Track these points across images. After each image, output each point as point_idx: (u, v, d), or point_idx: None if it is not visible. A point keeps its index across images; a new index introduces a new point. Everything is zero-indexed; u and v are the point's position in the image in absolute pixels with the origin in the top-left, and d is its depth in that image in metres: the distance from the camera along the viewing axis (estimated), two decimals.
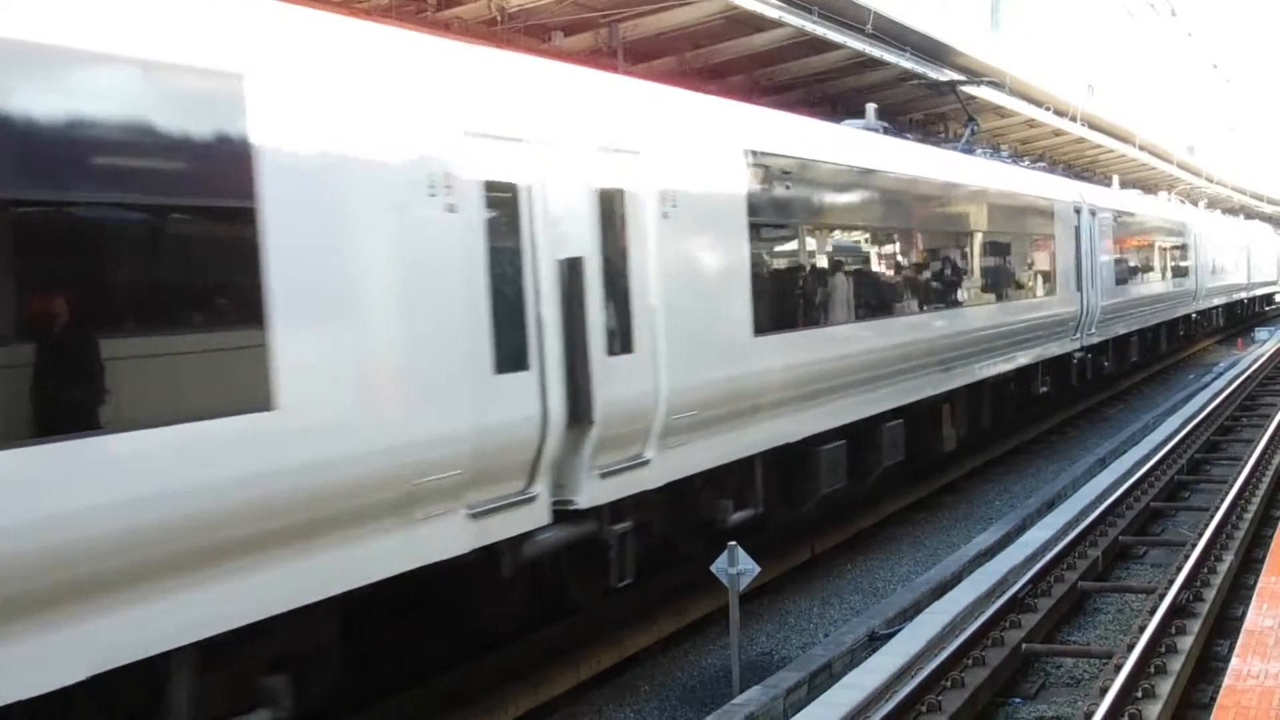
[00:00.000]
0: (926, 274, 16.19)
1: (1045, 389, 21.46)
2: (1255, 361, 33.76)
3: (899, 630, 10.89)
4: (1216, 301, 43.34)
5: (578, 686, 10.21)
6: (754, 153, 11.50)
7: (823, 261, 13.49)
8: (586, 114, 9.31)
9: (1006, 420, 20.39)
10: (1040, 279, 21.07)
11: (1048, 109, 32.12)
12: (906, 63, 22.60)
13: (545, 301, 8.51)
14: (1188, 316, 37.29)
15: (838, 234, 14.06)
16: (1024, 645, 10.30)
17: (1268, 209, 79.13)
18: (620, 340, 9.36)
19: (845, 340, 13.31)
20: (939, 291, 16.46)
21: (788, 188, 12.24)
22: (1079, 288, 22.86)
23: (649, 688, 10.53)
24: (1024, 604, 11.22)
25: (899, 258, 15.63)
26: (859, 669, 9.90)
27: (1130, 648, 9.49)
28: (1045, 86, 31.44)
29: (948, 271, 16.95)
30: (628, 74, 15.52)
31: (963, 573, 12.93)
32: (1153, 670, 9.30)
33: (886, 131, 17.38)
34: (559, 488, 8.82)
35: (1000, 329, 18.55)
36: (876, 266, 14.94)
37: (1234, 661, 8.22)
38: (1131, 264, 28.91)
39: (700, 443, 10.40)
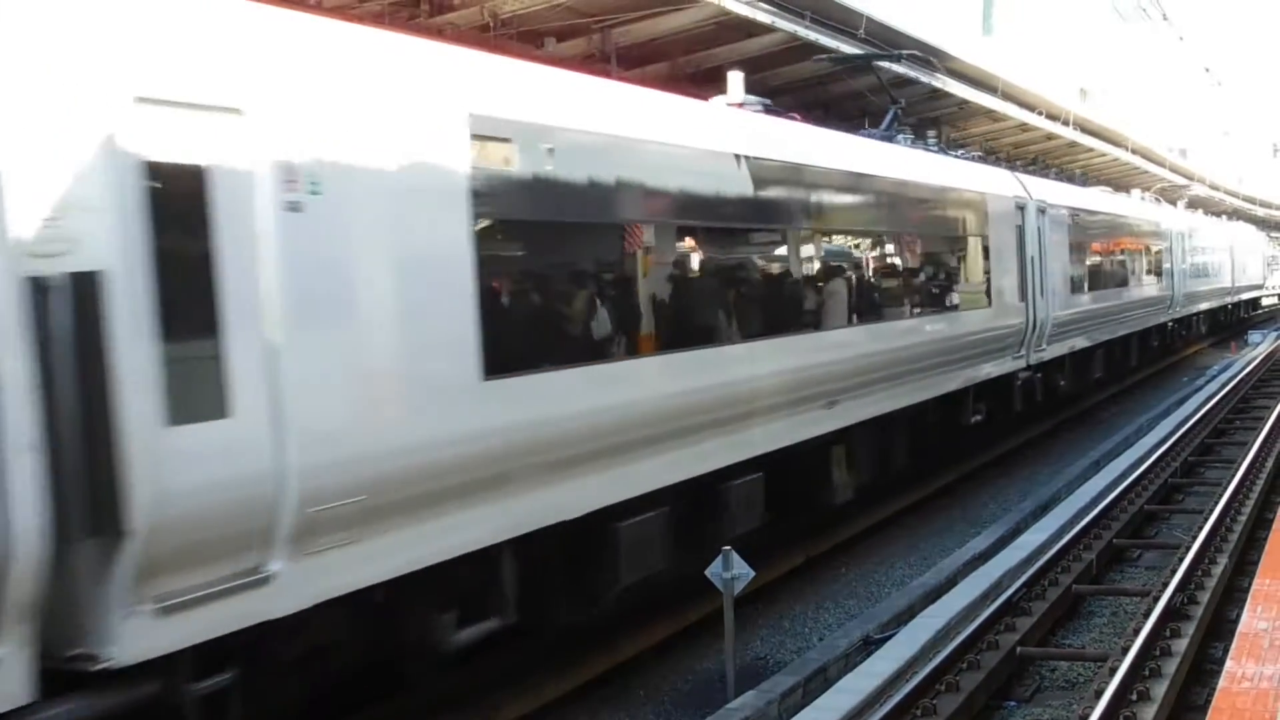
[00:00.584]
0: (794, 285, 12.76)
1: (978, 417, 18.17)
2: (1248, 365, 33.80)
3: (894, 634, 10.88)
4: (1198, 308, 40.60)
5: (572, 692, 10.20)
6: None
7: (615, 271, 10.16)
8: (113, 43, 6.12)
9: (928, 456, 17.14)
10: (969, 288, 17.73)
11: (1040, 113, 32.19)
12: (899, 68, 22.63)
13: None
14: (1163, 325, 34.64)
15: (641, 232, 10.36)
16: (1019, 649, 10.30)
17: (1260, 212, 79.28)
18: (199, 399, 6.25)
19: (651, 378, 10.02)
20: (812, 308, 13.01)
21: (548, 169, 8.83)
22: (1024, 297, 19.56)
23: (644, 693, 10.52)
24: (1019, 607, 11.22)
25: (752, 264, 12.45)
26: (854, 673, 9.89)
27: (1125, 651, 9.48)
28: (1037, 91, 31.51)
29: (830, 282, 13.47)
30: (620, 79, 15.52)
31: (957, 576, 12.93)
32: (1147, 673, 9.30)
33: (768, 110, 13.99)
34: (64, 639, 5.82)
35: (911, 350, 15.32)
36: (708, 277, 11.44)
37: (1229, 664, 8.22)
38: (1095, 269, 25.90)
39: (385, 538, 7.32)
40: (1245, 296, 55.69)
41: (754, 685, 9.80)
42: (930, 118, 28.31)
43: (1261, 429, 20.14)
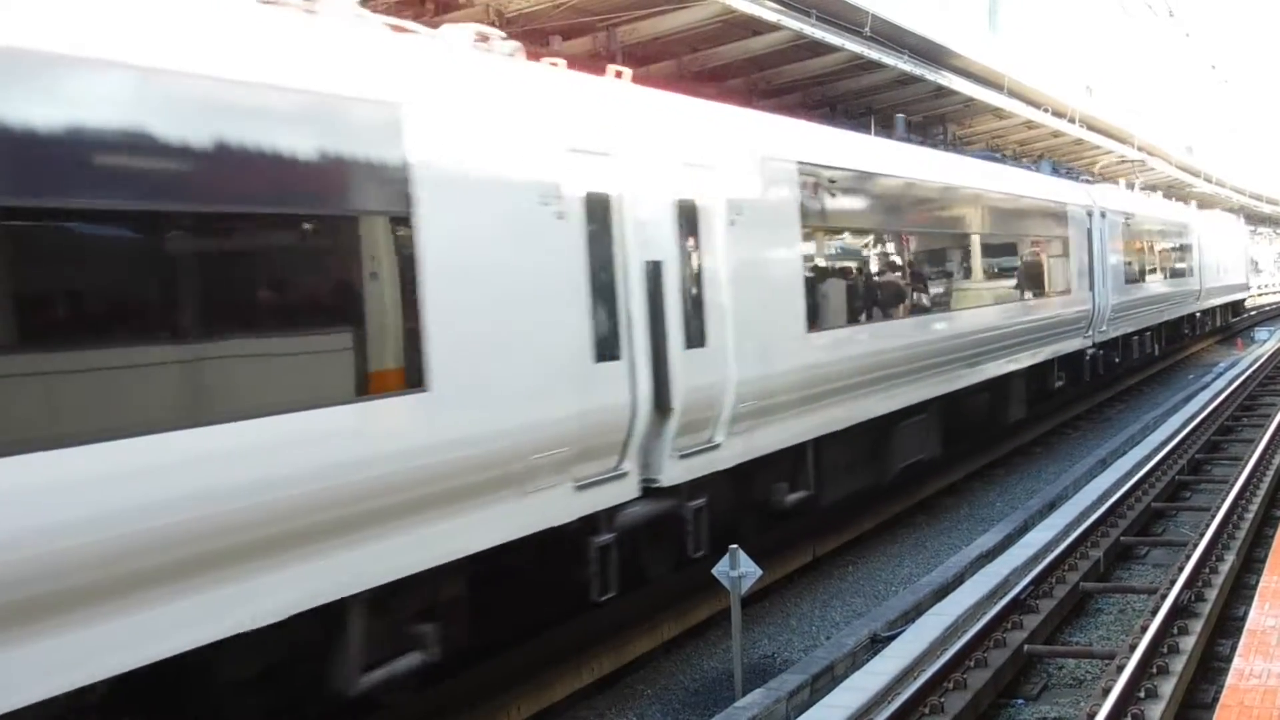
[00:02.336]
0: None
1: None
2: (1255, 362, 33.75)
3: (901, 632, 10.89)
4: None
5: (580, 690, 10.21)
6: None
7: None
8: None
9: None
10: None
11: (1046, 110, 32.13)
12: (904, 65, 22.61)
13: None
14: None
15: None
16: (1026, 646, 10.30)
17: (1266, 209, 79.19)
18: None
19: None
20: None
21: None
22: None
23: (651, 691, 10.54)
24: (1026, 605, 11.21)
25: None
26: (861, 671, 9.90)
27: (1132, 648, 9.48)
28: (1043, 88, 31.45)
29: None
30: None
31: (964, 574, 12.93)
32: (1155, 670, 9.30)
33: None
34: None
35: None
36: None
37: (1236, 661, 8.21)
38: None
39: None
40: (1218, 303, 44.43)
41: (761, 683, 9.82)
42: (936, 115, 28.30)
43: (1269, 426, 20.11)
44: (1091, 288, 24.17)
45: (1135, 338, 29.04)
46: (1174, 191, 47.80)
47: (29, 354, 5.52)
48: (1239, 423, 22.85)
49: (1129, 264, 28.21)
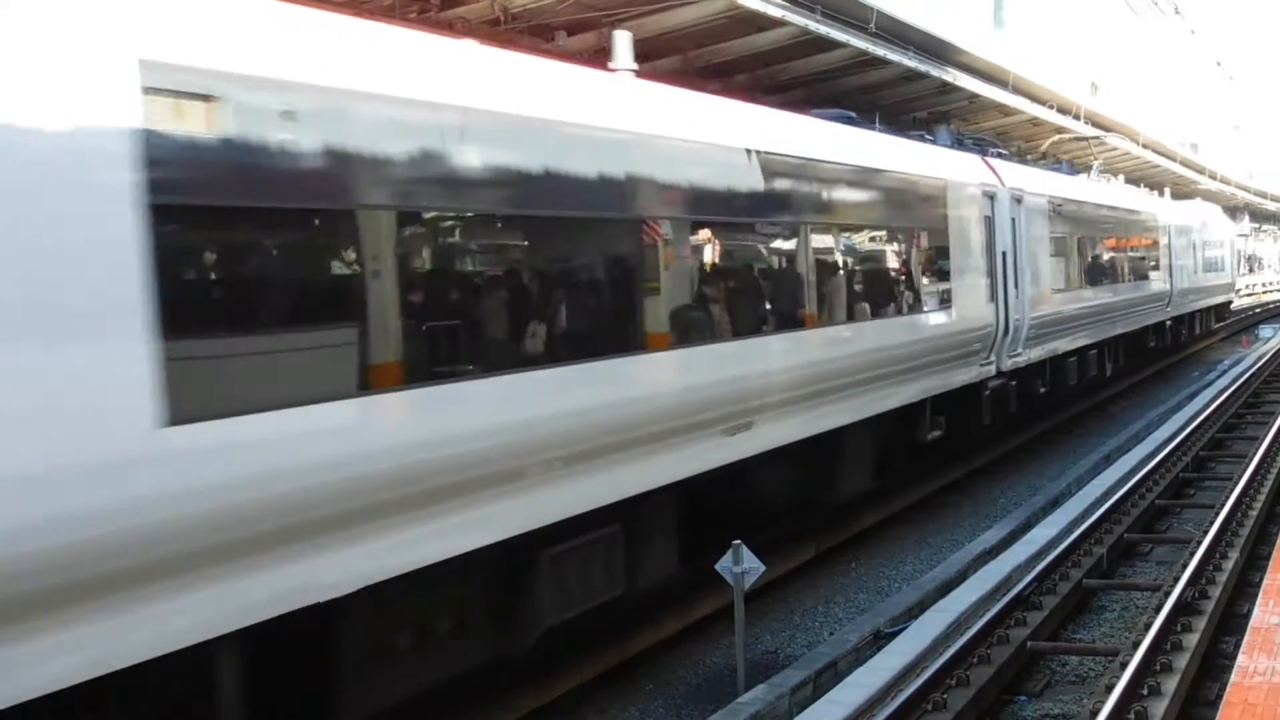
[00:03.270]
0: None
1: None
2: (1260, 359, 33.71)
3: (904, 628, 10.89)
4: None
5: (582, 685, 10.22)
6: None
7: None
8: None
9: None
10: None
11: (1051, 107, 32.10)
12: (909, 61, 22.60)
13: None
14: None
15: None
16: (1029, 643, 10.30)
17: (1271, 206, 79.09)
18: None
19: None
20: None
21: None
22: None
23: (653, 686, 10.54)
24: (1029, 602, 11.21)
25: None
26: (864, 667, 9.89)
27: (1136, 645, 9.49)
28: (1048, 85, 31.41)
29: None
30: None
31: (967, 571, 12.93)
32: (1158, 668, 9.29)
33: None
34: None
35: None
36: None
37: (1240, 659, 8.20)
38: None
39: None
40: (1197, 308, 37.77)
41: (764, 679, 9.82)
42: (941, 112, 28.27)
43: (1273, 424, 20.08)
44: (995, 297, 17.64)
45: (1072, 359, 22.38)
46: (1178, 189, 47.68)
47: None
48: (1243, 420, 22.83)
49: (1062, 264, 22.27)
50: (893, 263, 15.38)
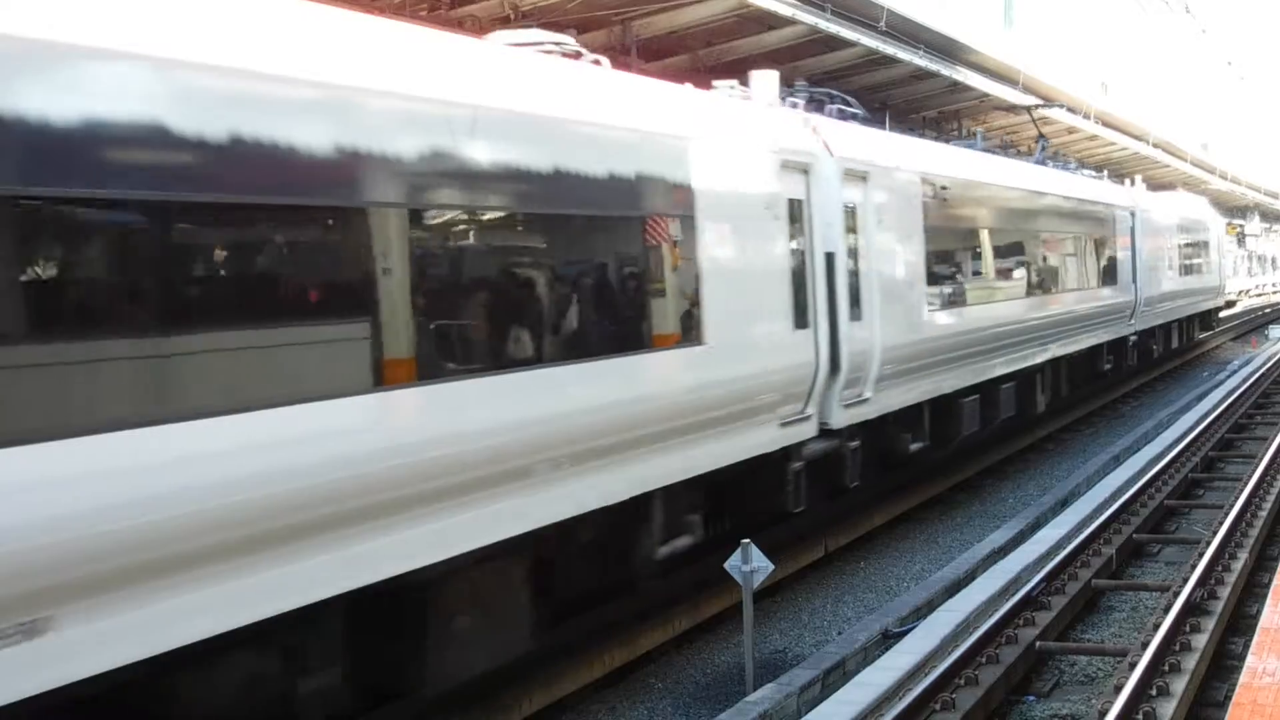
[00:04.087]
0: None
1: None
2: (1269, 360, 33.64)
3: (912, 628, 10.88)
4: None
5: (591, 684, 10.23)
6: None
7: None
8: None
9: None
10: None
11: (1061, 107, 32.06)
12: (919, 60, 22.58)
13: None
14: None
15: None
16: (1038, 643, 10.28)
17: None
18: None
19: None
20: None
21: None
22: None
23: (662, 685, 10.55)
24: (1038, 602, 11.20)
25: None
26: (872, 667, 9.89)
27: (1144, 645, 9.47)
28: (1058, 84, 31.38)
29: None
30: (641, 72, 15.53)
31: (976, 570, 12.92)
32: (1167, 668, 9.28)
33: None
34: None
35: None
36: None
37: (1249, 659, 8.19)
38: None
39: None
40: (1173, 317, 32.53)
41: (773, 678, 9.81)
42: (950, 111, 28.25)
43: None
44: (810, 320, 12.29)
45: (970, 399, 16.86)
46: (1189, 188, 47.57)
47: None
48: (1252, 420, 22.78)
49: (952, 269, 16.83)
50: (549, 279, 8.77)
